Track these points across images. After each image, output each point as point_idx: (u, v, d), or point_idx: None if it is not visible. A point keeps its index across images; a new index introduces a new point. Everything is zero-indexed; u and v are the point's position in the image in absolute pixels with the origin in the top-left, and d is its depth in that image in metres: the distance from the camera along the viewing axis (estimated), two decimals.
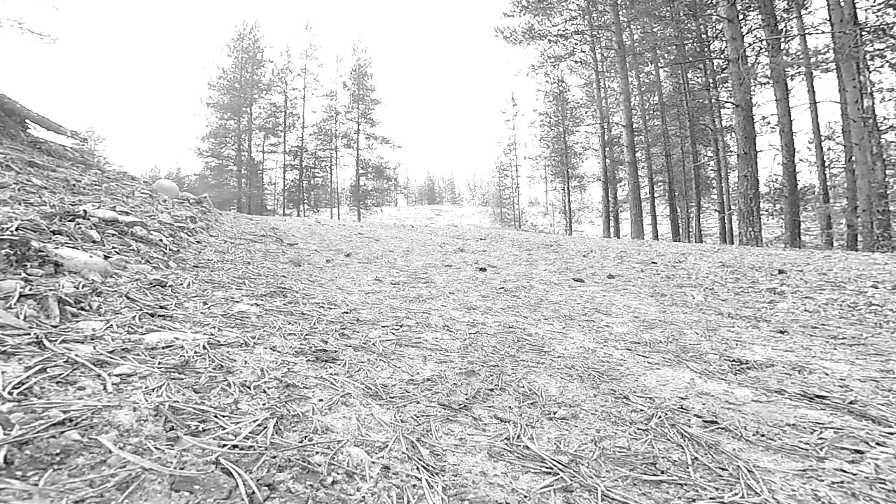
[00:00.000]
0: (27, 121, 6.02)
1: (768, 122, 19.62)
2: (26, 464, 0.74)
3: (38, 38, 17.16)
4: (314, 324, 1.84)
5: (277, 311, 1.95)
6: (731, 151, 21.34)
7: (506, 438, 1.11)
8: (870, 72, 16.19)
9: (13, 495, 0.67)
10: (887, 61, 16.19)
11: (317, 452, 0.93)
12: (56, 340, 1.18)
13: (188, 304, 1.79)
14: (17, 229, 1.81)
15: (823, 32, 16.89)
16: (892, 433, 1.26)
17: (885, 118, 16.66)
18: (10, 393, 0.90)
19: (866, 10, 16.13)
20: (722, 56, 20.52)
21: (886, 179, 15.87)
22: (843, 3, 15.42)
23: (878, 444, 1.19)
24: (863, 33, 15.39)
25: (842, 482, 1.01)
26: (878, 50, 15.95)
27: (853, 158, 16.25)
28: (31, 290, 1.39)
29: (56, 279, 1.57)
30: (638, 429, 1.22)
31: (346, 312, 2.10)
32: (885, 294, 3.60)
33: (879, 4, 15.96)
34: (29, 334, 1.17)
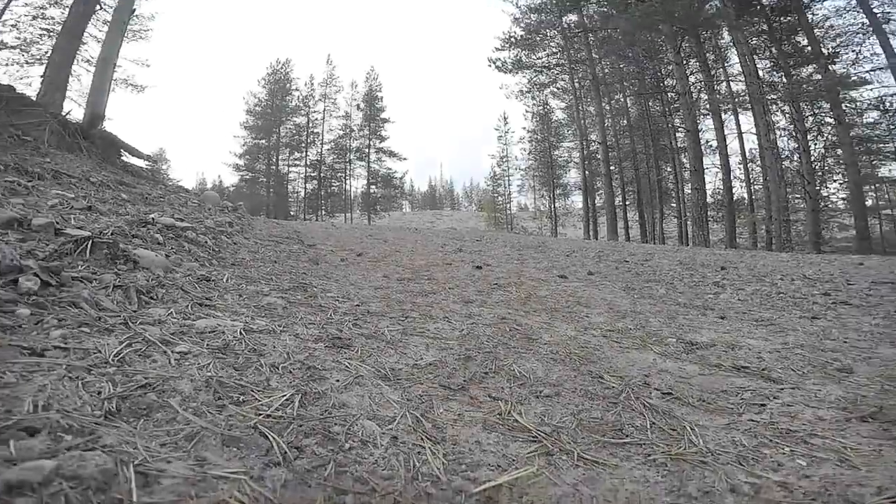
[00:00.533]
0: (121, 149, 6.73)
1: (711, 146, 20.87)
2: (127, 413, 0.84)
3: (134, 90, 18.65)
4: (331, 315, 1.84)
5: (299, 303, 1.96)
6: (685, 167, 22.05)
7: (498, 413, 1.12)
8: (772, 114, 18.55)
9: (125, 432, 0.77)
10: (780, 108, 18.86)
11: (336, 423, 0.95)
12: (136, 322, 1.26)
13: (227, 297, 1.80)
14: (111, 234, 1.96)
15: (740, 80, 19.40)
16: (783, 389, 1.40)
17: (783, 149, 18.99)
18: (112, 360, 1.01)
19: (763, 69, 18.90)
20: (674, 90, 21.81)
21: (786, 195, 18.08)
22: (748, 62, 18.16)
23: (775, 397, 1.33)
24: (763, 86, 18.09)
25: (750, 429, 1.12)
26: (773, 99, 18.45)
27: (767, 178, 18.23)
28: (119, 282, 1.51)
29: (134, 273, 1.67)
30: (609, 402, 1.24)
31: (359, 305, 2.11)
32: (787, 284, 3.97)
33: (769, 68, 19.01)
34: (119, 316, 1.27)
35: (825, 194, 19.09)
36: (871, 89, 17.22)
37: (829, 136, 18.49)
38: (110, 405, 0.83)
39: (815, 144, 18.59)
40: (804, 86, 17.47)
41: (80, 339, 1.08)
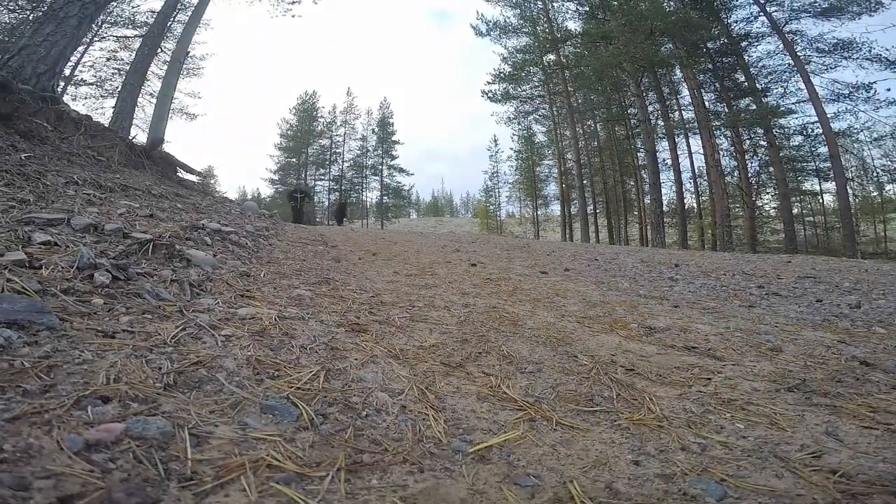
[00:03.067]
0: (177, 167, 6.76)
1: (667, 163, 21.22)
2: (182, 385, 0.84)
3: (188, 118, 18.91)
4: (350, 304, 1.84)
5: (324, 294, 1.96)
6: (645, 182, 22.19)
7: (489, 387, 1.12)
8: (716, 138, 19.00)
9: (181, 401, 0.78)
10: (723, 133, 19.37)
11: (354, 395, 0.95)
12: (189, 310, 1.25)
13: (264, 289, 1.80)
14: (168, 237, 1.95)
15: (690, 110, 19.94)
16: (725, 365, 1.40)
17: (725, 167, 19.74)
18: (170, 341, 1.01)
19: (708, 101, 19.56)
20: (635, 118, 22.07)
21: (728, 205, 18.53)
22: (696, 95, 18.81)
23: (718, 372, 1.33)
24: (708, 115, 18.63)
25: (698, 398, 1.12)
26: (716, 126, 18.96)
27: (713, 191, 18.71)
28: (175, 277, 1.51)
29: (187, 270, 1.66)
30: (583, 377, 1.24)
31: (373, 296, 2.11)
32: (729, 279, 3.98)
33: (713, 100, 19.58)
34: (175, 305, 1.26)
35: (760, 204, 19.73)
36: (796, 118, 17.90)
37: (763, 156, 18.95)
38: (168, 379, 0.83)
39: (751, 163, 19.09)
40: (742, 115, 17.85)
41: (143, 324, 1.08)
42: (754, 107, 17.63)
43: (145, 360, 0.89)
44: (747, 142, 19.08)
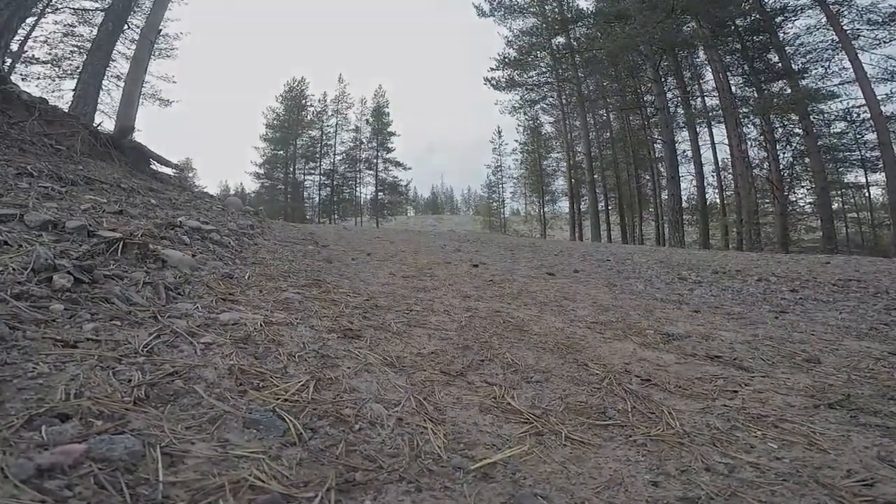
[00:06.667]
0: (150, 159, 6.64)
1: (686, 155, 20.71)
2: (155, 398, 0.82)
3: (162, 104, 18.42)
4: (342, 308, 1.83)
5: (314, 298, 1.95)
6: (662, 176, 21.97)
7: (493, 397, 1.11)
8: (743, 126, 18.46)
9: (152, 416, 0.76)
10: (751, 121, 18.72)
11: (346, 406, 0.94)
12: (165, 316, 1.24)
13: (249, 292, 1.80)
14: (141, 236, 1.92)
15: (714, 96, 19.44)
16: (753, 376, 1.37)
17: (753, 158, 19.12)
18: (142, 350, 0.99)
19: (735, 85, 18.83)
20: (652, 106, 21.67)
21: (756, 200, 18.21)
22: (722, 79, 18.16)
23: (745, 384, 1.30)
24: (735, 101, 18.05)
25: (723, 413, 1.10)
26: (744, 113, 18.29)
27: (738, 185, 18.28)
28: (149, 279, 1.49)
29: (163, 271, 1.64)
30: (593, 387, 1.23)
31: (368, 300, 2.10)
32: (756, 281, 3.92)
33: (741, 84, 18.81)
34: (149, 311, 1.24)
35: (793, 199, 18.91)
36: (839, 101, 16.82)
37: (797, 146, 18.11)
38: (139, 392, 0.81)
39: (784, 153, 18.39)
40: (775, 100, 17.05)
41: (111, 331, 1.06)
42: (789, 91, 16.78)
43: (112, 371, 0.87)
44: (779, 130, 18.44)
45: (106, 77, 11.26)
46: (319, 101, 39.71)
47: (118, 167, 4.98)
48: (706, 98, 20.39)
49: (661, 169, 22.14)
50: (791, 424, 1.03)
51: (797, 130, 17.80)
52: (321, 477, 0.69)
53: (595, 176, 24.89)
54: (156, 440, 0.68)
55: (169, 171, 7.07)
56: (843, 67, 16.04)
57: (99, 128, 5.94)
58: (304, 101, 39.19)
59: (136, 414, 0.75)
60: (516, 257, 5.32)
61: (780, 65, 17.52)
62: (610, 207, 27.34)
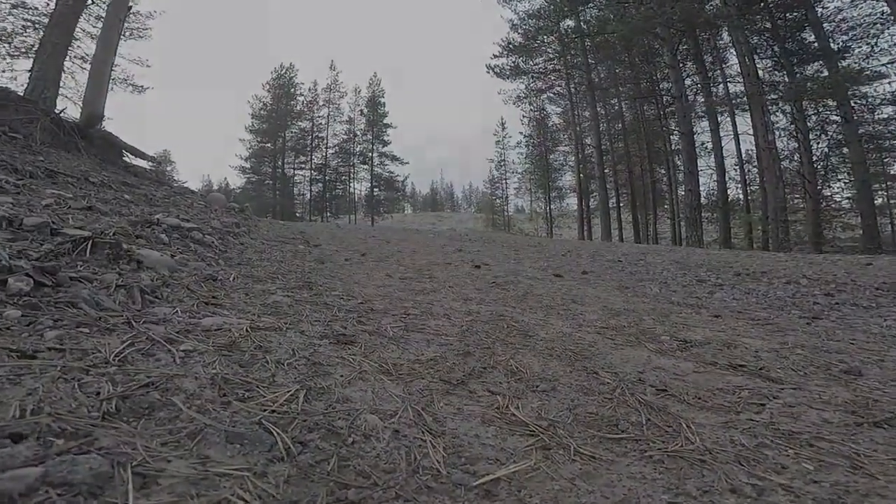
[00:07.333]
0: (123, 150, 6.51)
1: (706, 147, 20.27)
2: (127, 413, 0.81)
3: (135, 90, 17.89)
4: (335, 312, 1.83)
5: (305, 301, 1.95)
6: (679, 170, 21.70)
7: (496, 408, 1.11)
8: (770, 114, 17.61)
9: (124, 432, 0.74)
10: (780, 108, 17.90)
11: (339, 418, 0.94)
12: (140, 321, 1.23)
13: (234, 295, 1.79)
14: (113, 234, 1.89)
15: (738, 82, 18.69)
16: (783, 388, 1.34)
17: (782, 150, 18.13)
18: (113, 360, 0.97)
19: (763, 69, 18.07)
20: (669, 94, 21.27)
21: (784, 195, 17.52)
22: (748, 62, 17.39)
23: (774, 397, 1.27)
24: (762, 86, 17.33)
25: (749, 428, 1.07)
26: (773, 99, 17.52)
27: (764, 179, 17.58)
28: (122, 281, 1.47)
29: (138, 273, 1.63)
30: (605, 398, 1.22)
31: (362, 303, 2.10)
32: (785, 284, 3.87)
33: (769, 67, 18.16)
34: (122, 316, 1.23)
35: (827, 194, 17.95)
36: (887, 83, 15.48)
37: (835, 135, 16.79)
38: (109, 405, 0.79)
39: (818, 144, 17.23)
40: (809, 84, 15.90)
41: (77, 339, 1.04)
42: (826, 73, 15.44)
43: (78, 383, 0.85)
44: (813, 118, 17.18)
45: (69, 58, 10.84)
46: (310, 89, 39.65)
47: (86, 159, 4.82)
48: (729, 84, 19.65)
49: (678, 162, 21.94)
50: (829, 443, 0.99)
51: (834, 117, 16.67)
52: (311, 495, 0.68)
53: (606, 170, 24.86)
54: (126, 459, 0.67)
55: (144, 164, 6.96)
56: (894, 44, 15.27)
57: (62, 114, 5.69)
58: (292, 90, 39.16)
59: (105, 430, 0.73)
60: (521, 257, 5.32)
61: (816, 44, 16.14)
62: (622, 204, 27.32)
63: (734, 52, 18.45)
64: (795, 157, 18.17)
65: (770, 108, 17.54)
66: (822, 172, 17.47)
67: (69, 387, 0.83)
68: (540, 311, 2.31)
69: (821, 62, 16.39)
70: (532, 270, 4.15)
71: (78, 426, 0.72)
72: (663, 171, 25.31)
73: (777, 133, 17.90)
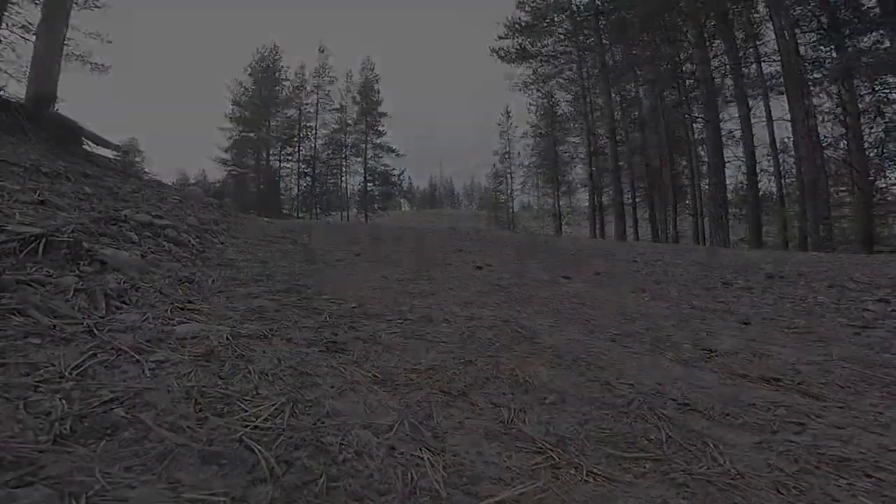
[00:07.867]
0: (82, 137, 6.21)
1: (733, 136, 19.82)
2: (86, 433, 0.78)
3: (95, 69, 16.92)
4: (326, 317, 1.82)
5: (292, 305, 1.95)
6: (702, 161, 21.40)
7: (500, 421, 1.10)
8: (812, 96, 16.95)
9: (79, 457, 0.72)
10: (824, 89, 17.04)
11: (329, 433, 0.93)
12: (104, 330, 1.21)
13: (213, 299, 1.79)
14: (72, 232, 1.84)
15: (775, 60, 18.02)
16: (827, 406, 1.31)
17: (825, 136, 17.35)
18: (70, 374, 0.95)
19: (805, 44, 17.12)
20: (693, 77, 20.87)
21: (827, 188, 16.74)
22: (787, 37, 16.74)
23: (817, 416, 1.25)
24: (804, 64, 16.58)
25: (788, 450, 1.05)
26: (816, 79, 16.80)
27: (802, 170, 16.99)
28: (83, 285, 1.44)
29: (102, 276, 1.60)
30: (619, 411, 1.22)
31: (355, 307, 2.09)
32: (827, 288, 3.77)
33: (814, 41, 17.14)
34: (82, 324, 1.21)
35: (882, 186, 16.61)
36: None
37: (892, 118, 15.73)
38: (62, 427, 0.77)
39: (872, 129, 16.04)
40: (863, 59, 14.92)
41: (24, 351, 1.01)
42: (888, 44, 14.34)
43: (23, 402, 0.82)
44: (865, 98, 15.86)
45: (5, 26, 9.84)
46: (297, 74, 39.45)
47: (35, 144, 4.56)
48: (763, 63, 18.68)
49: (702, 153, 21.70)
50: (891, 474, 0.95)
51: (893, 96, 15.34)
52: None
53: (620, 163, 24.81)
54: (80, 489, 0.64)
55: (108, 153, 6.70)
56: None
57: (2, 92, 5.34)
58: (277, 75, 38.99)
59: (55, 456, 0.71)
60: (526, 258, 5.32)
61: (876, 10, 14.85)
62: (638, 200, 27.26)
63: (771, 27, 17.53)
64: (841, 145, 17.01)
65: (812, 88, 16.70)
66: (877, 161, 16.29)
67: (11, 407, 0.80)
68: (548, 316, 2.31)
69: (880, 31, 15.07)
70: (539, 272, 4.15)
71: (20, 453, 0.69)
72: (685, 164, 25.14)
73: (819, 118, 16.98)
